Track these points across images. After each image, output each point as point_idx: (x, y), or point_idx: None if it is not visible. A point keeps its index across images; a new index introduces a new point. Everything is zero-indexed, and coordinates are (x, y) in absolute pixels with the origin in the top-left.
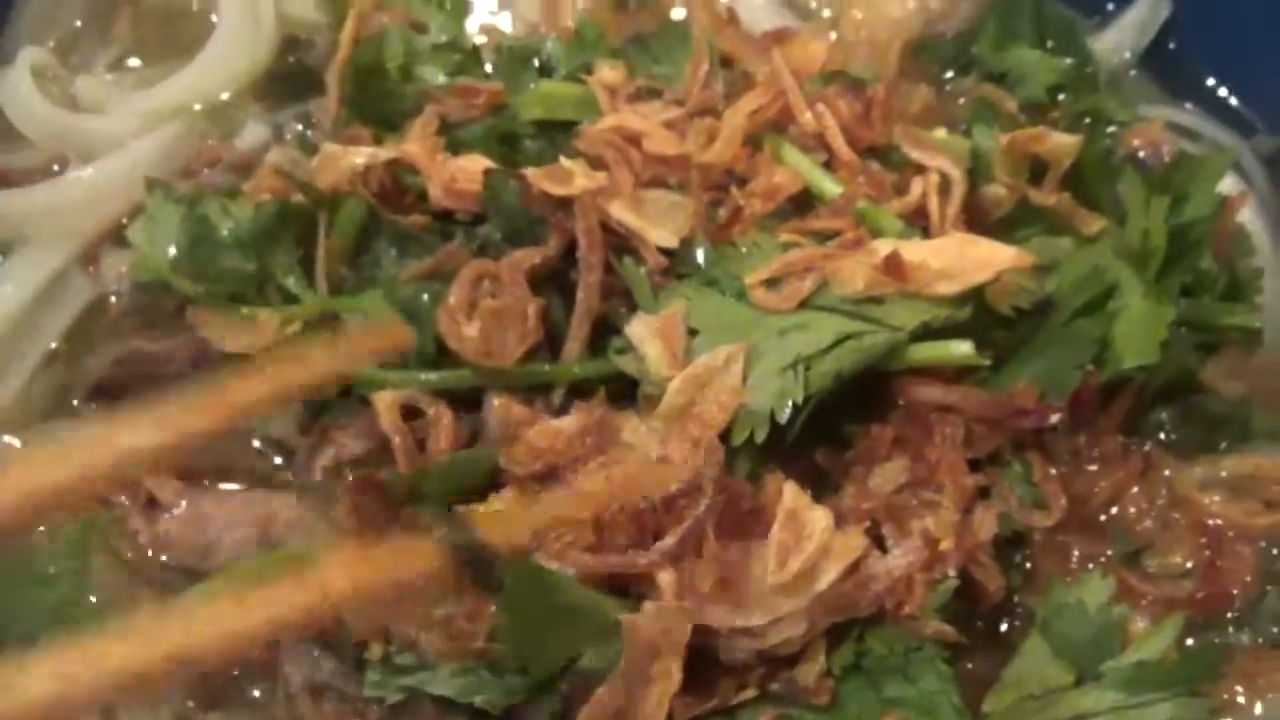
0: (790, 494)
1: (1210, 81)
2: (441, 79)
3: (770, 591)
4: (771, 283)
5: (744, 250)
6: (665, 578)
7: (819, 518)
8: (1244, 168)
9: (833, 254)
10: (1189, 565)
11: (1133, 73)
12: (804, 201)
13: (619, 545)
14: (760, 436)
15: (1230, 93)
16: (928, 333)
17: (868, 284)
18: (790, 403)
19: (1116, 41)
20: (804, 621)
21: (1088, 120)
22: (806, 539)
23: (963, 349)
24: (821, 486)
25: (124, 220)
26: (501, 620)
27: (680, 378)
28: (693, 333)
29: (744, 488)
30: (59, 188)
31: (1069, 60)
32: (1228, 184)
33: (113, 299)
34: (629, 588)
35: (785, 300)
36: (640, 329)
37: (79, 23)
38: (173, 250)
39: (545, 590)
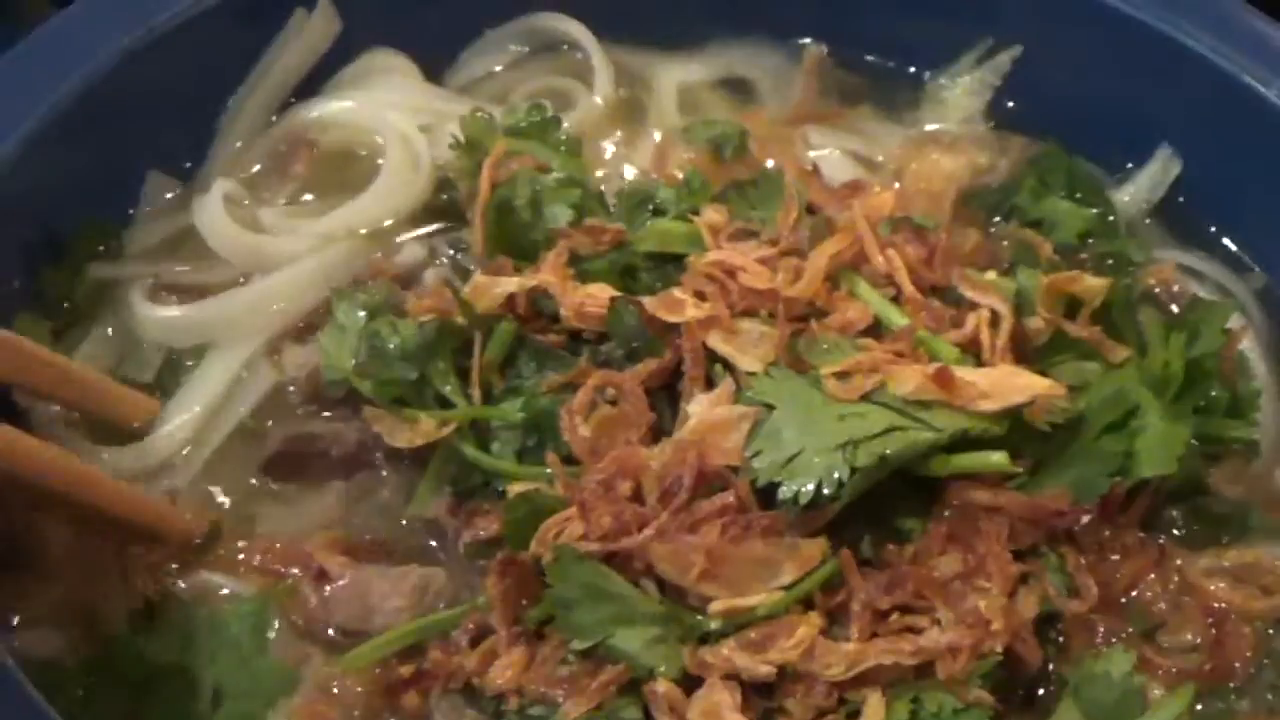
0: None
1: (1212, 229)
2: (566, 211)
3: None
4: (842, 375)
5: (825, 347)
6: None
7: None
8: (1242, 303)
9: (895, 360)
10: (1198, 641)
11: (1148, 221)
12: (875, 333)
13: (610, 533)
14: (804, 499)
15: (1230, 240)
16: (968, 442)
17: (917, 387)
18: (836, 475)
19: (1134, 195)
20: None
21: (1111, 261)
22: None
23: (997, 458)
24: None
25: (300, 324)
26: (547, 597)
27: (697, 417)
28: (770, 407)
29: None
30: (250, 293)
31: (1095, 210)
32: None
33: (290, 388)
34: (640, 579)
35: (849, 391)
36: (696, 405)
37: (262, 165)
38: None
39: (576, 569)
